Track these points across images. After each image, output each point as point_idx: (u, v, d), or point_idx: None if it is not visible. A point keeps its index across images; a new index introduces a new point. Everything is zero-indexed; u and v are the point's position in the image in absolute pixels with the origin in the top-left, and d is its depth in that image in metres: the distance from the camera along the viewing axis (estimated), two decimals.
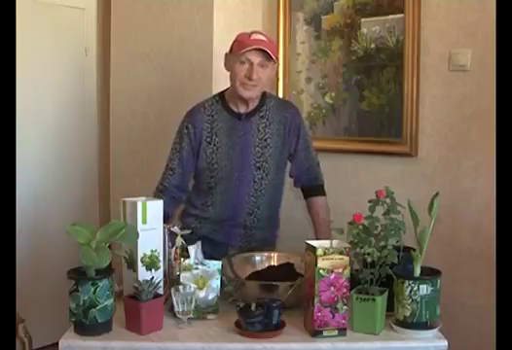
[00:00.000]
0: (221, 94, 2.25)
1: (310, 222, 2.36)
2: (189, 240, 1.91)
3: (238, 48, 2.10)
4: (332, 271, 1.60)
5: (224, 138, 2.20)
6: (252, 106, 2.21)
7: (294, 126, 2.26)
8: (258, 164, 2.21)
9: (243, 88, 2.12)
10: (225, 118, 2.20)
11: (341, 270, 1.61)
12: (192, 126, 2.20)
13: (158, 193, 2.20)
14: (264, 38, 2.12)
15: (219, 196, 2.24)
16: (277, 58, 2.21)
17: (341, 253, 1.61)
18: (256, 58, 2.08)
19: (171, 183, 2.22)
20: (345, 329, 1.64)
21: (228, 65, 2.18)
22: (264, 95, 2.24)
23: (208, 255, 1.97)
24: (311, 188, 2.34)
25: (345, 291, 1.62)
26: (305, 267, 1.71)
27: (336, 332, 1.63)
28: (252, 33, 2.14)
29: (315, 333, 1.62)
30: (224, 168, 2.20)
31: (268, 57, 2.09)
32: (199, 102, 2.26)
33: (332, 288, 1.61)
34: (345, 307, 1.63)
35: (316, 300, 1.60)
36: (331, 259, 1.60)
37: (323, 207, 2.32)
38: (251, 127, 2.20)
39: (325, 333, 1.62)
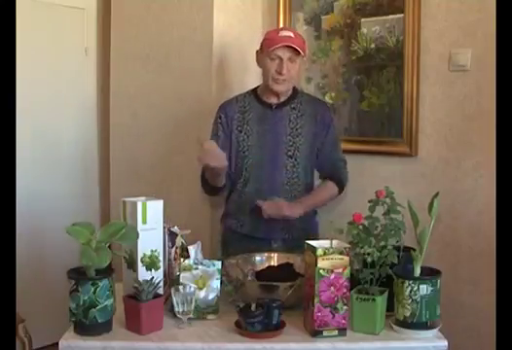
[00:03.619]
0: (253, 89, 2.37)
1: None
2: None
3: (268, 45, 2.21)
4: (332, 271, 1.60)
5: (255, 126, 2.30)
6: (283, 98, 2.31)
7: (324, 120, 2.36)
8: (290, 153, 2.29)
9: (275, 83, 2.25)
10: (256, 108, 2.32)
11: (341, 270, 1.61)
12: (224, 116, 2.34)
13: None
14: (291, 34, 2.23)
15: (252, 185, 2.30)
16: (305, 52, 2.31)
17: (341, 253, 1.61)
18: (285, 54, 2.19)
19: None
20: (345, 329, 1.64)
21: (259, 62, 2.30)
22: (295, 90, 2.37)
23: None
24: (331, 177, 2.37)
25: (345, 291, 1.62)
26: (305, 267, 1.71)
27: (336, 332, 1.63)
28: (280, 30, 2.28)
29: (315, 333, 1.62)
30: (255, 156, 2.28)
31: (296, 53, 2.20)
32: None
33: (332, 288, 1.61)
34: (345, 307, 1.63)
35: (316, 300, 1.60)
36: (331, 259, 1.60)
37: (327, 187, 2.36)
38: (282, 117, 2.30)
39: (325, 333, 1.62)
